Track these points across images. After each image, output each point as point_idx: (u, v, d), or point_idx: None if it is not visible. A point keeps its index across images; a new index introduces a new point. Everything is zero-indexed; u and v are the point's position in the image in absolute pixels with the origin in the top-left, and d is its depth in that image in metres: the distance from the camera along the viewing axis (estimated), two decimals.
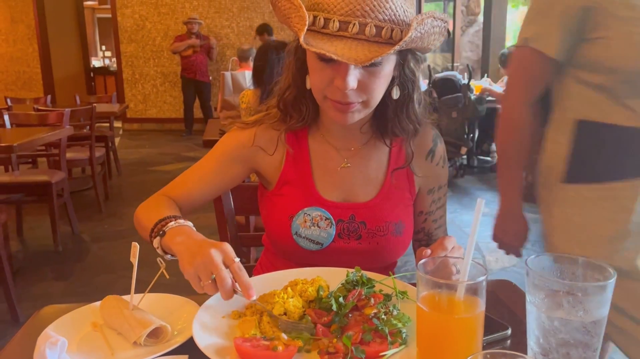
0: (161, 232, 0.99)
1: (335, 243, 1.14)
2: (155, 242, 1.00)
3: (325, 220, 1.14)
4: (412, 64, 1.10)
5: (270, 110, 1.20)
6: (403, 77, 1.10)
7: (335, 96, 1.01)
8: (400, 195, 1.19)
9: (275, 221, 1.17)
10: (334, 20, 0.95)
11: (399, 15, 0.96)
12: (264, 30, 7.13)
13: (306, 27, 0.95)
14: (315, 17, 0.97)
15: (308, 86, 1.09)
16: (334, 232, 1.14)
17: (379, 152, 1.19)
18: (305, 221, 1.13)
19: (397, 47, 0.92)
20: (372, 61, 0.91)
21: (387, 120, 1.14)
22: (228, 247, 0.88)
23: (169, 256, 0.99)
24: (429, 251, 0.91)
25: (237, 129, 1.20)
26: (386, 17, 0.95)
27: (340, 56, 0.91)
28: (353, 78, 0.98)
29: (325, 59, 0.98)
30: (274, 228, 1.18)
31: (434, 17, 0.96)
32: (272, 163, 1.18)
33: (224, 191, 1.19)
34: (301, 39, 0.94)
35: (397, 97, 1.10)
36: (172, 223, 1.00)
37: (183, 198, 1.17)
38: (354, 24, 0.94)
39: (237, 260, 0.87)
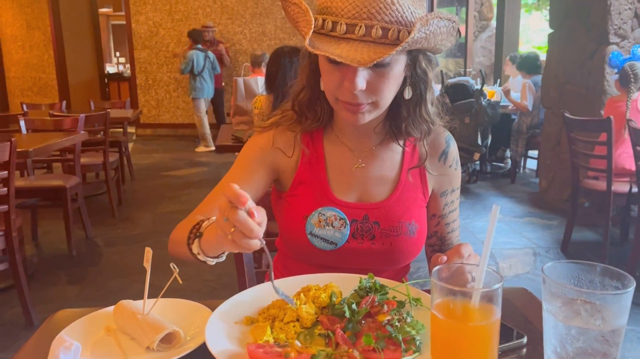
0: (198, 234, 0.95)
1: (349, 243, 1.15)
2: (195, 248, 0.95)
3: (340, 219, 1.14)
4: (423, 64, 1.10)
5: (285, 112, 1.22)
6: (415, 78, 1.11)
7: (345, 97, 1.03)
8: (414, 195, 1.19)
9: (290, 221, 1.18)
10: (341, 23, 0.97)
11: (406, 17, 0.97)
12: (191, 35, 7.93)
13: (312, 30, 0.97)
14: (323, 20, 0.99)
15: (322, 88, 1.11)
16: (348, 232, 1.14)
17: (393, 152, 1.21)
18: (320, 221, 1.14)
19: (399, 48, 0.92)
20: (375, 62, 0.92)
21: (401, 120, 1.15)
22: (232, 191, 0.79)
23: (213, 261, 0.96)
24: (444, 257, 0.91)
25: (256, 134, 1.22)
26: (392, 19, 0.96)
27: (344, 58, 0.93)
28: (361, 79, 0.99)
29: (333, 61, 1.00)
30: (289, 228, 1.18)
31: (440, 18, 0.96)
32: (289, 164, 1.20)
33: (255, 197, 1.17)
34: (306, 42, 0.95)
35: (410, 97, 1.11)
36: (206, 222, 0.97)
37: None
38: (360, 26, 0.95)
39: (245, 204, 0.79)
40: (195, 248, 0.95)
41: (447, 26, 0.99)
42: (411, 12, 0.98)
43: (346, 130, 1.19)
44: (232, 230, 0.78)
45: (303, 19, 1.00)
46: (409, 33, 0.96)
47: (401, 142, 1.19)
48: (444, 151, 1.22)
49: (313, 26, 0.97)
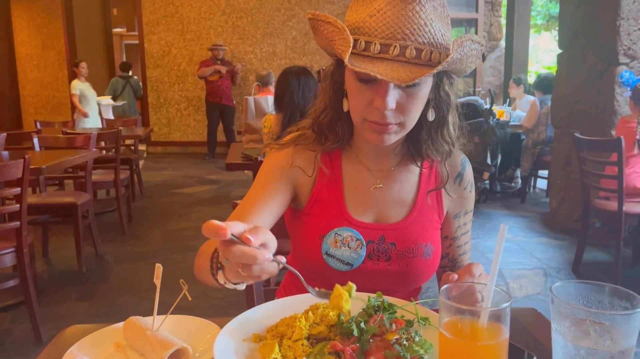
0: (219, 266, 0.89)
1: (364, 264, 1.14)
2: (221, 278, 0.88)
3: (356, 240, 1.14)
4: (447, 87, 1.11)
5: (303, 131, 1.22)
6: (438, 99, 1.11)
7: (374, 117, 1.03)
8: (430, 217, 1.19)
9: (305, 240, 1.17)
10: (375, 43, 0.98)
11: (437, 39, 0.99)
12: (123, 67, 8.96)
13: (350, 50, 0.97)
14: (356, 40, 0.99)
15: (345, 109, 1.12)
16: (364, 253, 1.14)
17: (411, 173, 1.21)
18: (336, 242, 1.14)
19: (439, 68, 0.94)
20: (415, 81, 0.93)
21: (421, 142, 1.16)
22: (209, 228, 0.72)
23: (243, 286, 0.89)
24: (455, 276, 0.91)
25: (273, 151, 1.21)
26: (425, 40, 0.98)
27: (384, 75, 0.93)
28: (392, 99, 1.00)
29: (364, 80, 1.01)
30: (304, 248, 1.18)
31: (472, 40, 0.99)
32: (307, 183, 1.19)
33: (277, 215, 1.16)
34: (346, 60, 0.96)
35: (433, 119, 1.12)
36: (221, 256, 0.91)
37: None
38: (395, 46, 0.97)
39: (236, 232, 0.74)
40: (221, 279, 0.89)
41: (477, 49, 1.01)
42: (442, 34, 1.00)
43: (366, 150, 1.19)
44: (240, 267, 0.75)
45: (340, 38, 1.00)
46: (440, 54, 0.99)
47: (419, 163, 1.20)
48: (459, 173, 1.22)
49: (351, 45, 0.98)
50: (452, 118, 1.15)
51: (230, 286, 0.90)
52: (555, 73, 5.46)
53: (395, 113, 1.02)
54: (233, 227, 0.72)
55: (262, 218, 1.12)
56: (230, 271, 0.77)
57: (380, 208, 1.18)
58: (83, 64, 7.65)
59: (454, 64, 0.99)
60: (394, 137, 1.07)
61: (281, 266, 0.78)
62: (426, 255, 1.16)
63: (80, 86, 7.54)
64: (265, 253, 0.73)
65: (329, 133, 1.17)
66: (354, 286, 0.92)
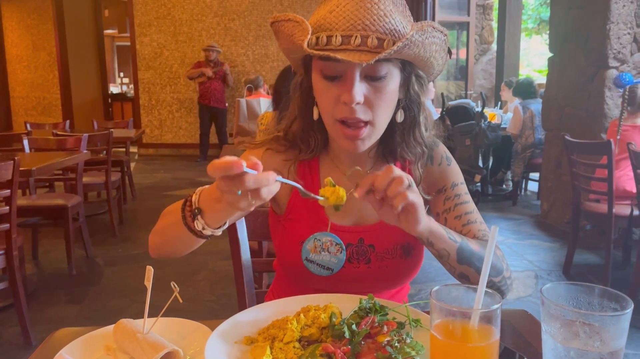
0: (196, 210, 0.90)
1: (345, 269, 1.14)
2: (199, 224, 0.90)
3: (336, 245, 1.14)
4: (416, 87, 1.10)
5: (276, 136, 1.21)
6: (408, 99, 1.11)
7: (342, 113, 1.02)
8: None
9: (286, 246, 1.18)
10: (336, 36, 0.98)
11: (399, 29, 0.99)
12: None
13: (309, 34, 0.97)
14: (317, 37, 0.99)
15: (315, 116, 1.11)
16: (344, 257, 1.14)
17: None
18: (316, 247, 1.13)
19: (399, 44, 0.93)
20: (378, 58, 0.92)
21: (395, 144, 1.15)
22: (222, 165, 0.75)
23: (219, 231, 0.92)
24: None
25: (248, 151, 1.22)
26: (386, 30, 0.98)
27: (344, 56, 0.93)
28: (359, 91, 0.99)
29: (330, 77, 1.01)
30: (285, 254, 1.18)
31: (434, 27, 0.97)
32: (284, 189, 1.17)
33: (244, 214, 1.19)
34: (304, 45, 0.96)
35: (402, 120, 1.11)
36: (195, 196, 0.91)
37: None
38: (356, 37, 0.96)
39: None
40: (199, 225, 0.90)
41: (440, 38, 1.00)
42: (403, 26, 1.00)
43: (341, 156, 1.18)
44: (249, 196, 0.77)
45: (299, 30, 1.00)
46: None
47: (392, 162, 1.18)
48: (428, 155, 1.19)
49: (310, 32, 0.98)
50: (424, 119, 1.14)
51: (208, 231, 0.91)
52: (534, 79, 5.51)
53: (363, 109, 1.01)
54: (231, 158, 0.75)
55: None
56: (237, 202, 0.78)
57: (359, 212, 1.17)
58: None
59: (416, 47, 0.97)
60: (367, 142, 1.06)
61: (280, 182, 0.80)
62: (405, 254, 1.16)
63: None
64: (272, 174, 0.77)
65: (301, 143, 1.17)
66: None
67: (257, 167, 0.75)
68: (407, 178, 0.88)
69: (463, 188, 1.20)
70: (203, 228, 0.90)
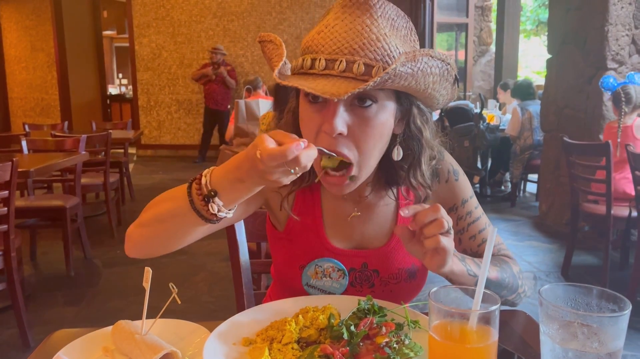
0: (212, 193, 0.83)
1: (347, 293, 1.10)
2: (214, 207, 0.84)
3: (338, 271, 1.10)
4: (418, 121, 1.00)
5: None
6: (407, 135, 1.01)
7: (323, 143, 0.91)
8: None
9: (285, 268, 1.14)
10: (320, 59, 0.90)
11: (393, 56, 0.89)
12: None
13: (282, 62, 0.92)
14: (303, 59, 0.92)
15: None
16: (347, 283, 1.10)
17: (388, 197, 1.12)
18: (317, 273, 1.10)
19: (376, 79, 0.81)
20: (350, 93, 0.81)
21: (397, 177, 1.06)
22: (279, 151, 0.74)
23: (231, 213, 0.87)
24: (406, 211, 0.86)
25: None
26: (377, 56, 0.88)
27: (314, 90, 0.83)
28: (341, 121, 0.89)
29: (312, 103, 0.93)
30: (285, 276, 1.15)
31: (431, 56, 0.85)
32: (282, 210, 1.14)
33: (238, 217, 1.14)
34: (275, 73, 0.91)
35: (399, 159, 1.02)
36: (204, 179, 0.85)
37: None
38: (341, 61, 0.88)
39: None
40: (214, 208, 0.84)
41: (439, 67, 0.87)
42: (399, 52, 0.90)
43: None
44: (297, 170, 0.76)
45: (276, 54, 0.95)
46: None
47: (392, 195, 1.12)
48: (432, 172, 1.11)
49: (284, 58, 0.92)
50: (426, 158, 1.04)
51: (223, 213, 0.85)
52: (535, 79, 5.51)
53: (347, 143, 0.91)
54: (274, 143, 0.75)
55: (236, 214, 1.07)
56: (279, 181, 0.77)
57: (361, 235, 1.12)
58: None
59: (405, 79, 0.85)
60: (353, 185, 0.97)
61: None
62: (410, 277, 1.12)
63: None
64: (312, 146, 0.76)
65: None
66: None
67: (301, 144, 0.74)
68: (447, 223, 0.84)
69: (473, 203, 1.14)
70: (219, 210, 0.84)
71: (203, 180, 0.85)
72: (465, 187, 1.15)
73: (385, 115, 0.94)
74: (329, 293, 1.11)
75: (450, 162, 1.15)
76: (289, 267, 1.13)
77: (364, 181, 1.02)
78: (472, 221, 1.13)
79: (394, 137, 1.00)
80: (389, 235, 1.12)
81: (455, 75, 0.92)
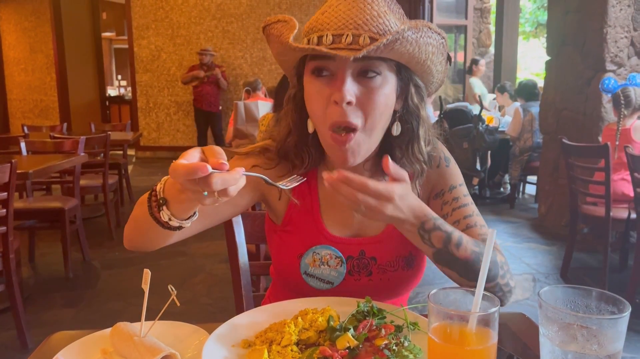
0: (161, 201, 0.85)
1: (345, 281, 1.11)
2: (165, 215, 0.85)
3: (336, 258, 1.11)
4: (415, 99, 1.05)
5: (267, 147, 1.15)
6: (406, 111, 1.06)
7: (334, 117, 0.97)
8: None
9: (284, 259, 1.15)
10: (327, 35, 0.96)
11: (392, 30, 0.96)
12: None
13: (296, 29, 0.97)
14: (309, 39, 0.98)
15: (310, 130, 1.07)
16: (345, 271, 1.11)
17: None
18: (315, 261, 1.11)
19: (389, 37, 0.88)
20: (367, 50, 0.88)
21: (394, 159, 1.07)
22: (184, 169, 0.72)
23: (188, 223, 0.88)
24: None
25: (237, 159, 1.16)
26: (380, 31, 0.95)
27: (331, 51, 0.90)
28: (350, 89, 0.95)
29: (320, 75, 0.98)
30: (283, 267, 1.15)
31: (430, 28, 0.93)
32: (282, 198, 1.16)
33: (234, 213, 1.16)
34: (290, 39, 0.95)
35: (398, 133, 1.06)
36: (159, 186, 0.87)
37: None
38: (347, 35, 0.94)
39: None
40: (165, 216, 0.86)
41: (437, 40, 0.96)
42: (398, 28, 0.96)
43: (339, 168, 1.11)
44: (216, 195, 0.74)
45: (287, 28, 0.99)
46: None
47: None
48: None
49: (297, 27, 0.97)
50: (424, 134, 1.09)
51: (174, 223, 0.86)
52: (538, 80, 5.52)
53: (354, 111, 0.97)
54: (193, 158, 0.73)
55: (218, 214, 1.10)
56: (204, 200, 0.76)
57: (359, 223, 1.14)
58: None
59: (409, 45, 0.92)
60: (358, 152, 1.01)
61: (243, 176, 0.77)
62: (408, 266, 1.13)
63: None
64: (239, 171, 0.74)
65: (295, 158, 1.12)
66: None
67: (223, 167, 0.72)
68: (364, 199, 0.87)
69: (462, 190, 1.15)
70: (170, 219, 0.86)
71: (158, 187, 0.87)
72: (455, 174, 1.17)
73: (389, 87, 1.00)
74: (328, 282, 1.11)
75: (443, 150, 1.18)
76: (287, 258, 1.13)
77: (362, 166, 1.09)
78: (458, 207, 1.13)
79: (393, 113, 1.05)
80: (386, 223, 1.13)
81: (448, 53, 1.00)
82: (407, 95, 1.05)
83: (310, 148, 1.11)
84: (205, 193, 0.74)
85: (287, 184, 0.89)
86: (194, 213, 0.88)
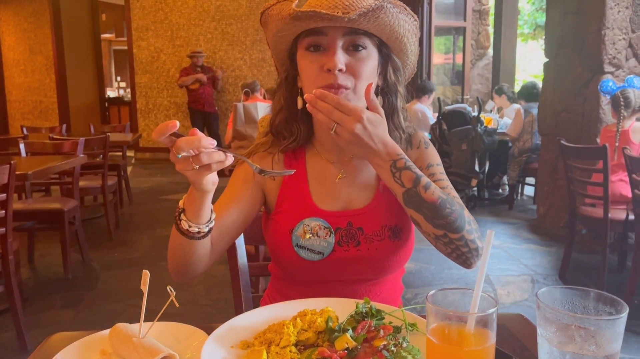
0: (181, 210, 1.01)
1: (335, 252, 1.16)
2: (184, 224, 1.00)
3: (324, 229, 1.16)
4: (393, 77, 1.18)
5: (259, 141, 1.28)
6: (386, 86, 1.18)
7: (326, 80, 1.07)
8: (394, 197, 1.16)
9: (276, 236, 1.20)
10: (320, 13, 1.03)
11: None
12: None
13: (296, 2, 1.04)
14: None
15: (299, 106, 1.17)
16: (334, 241, 1.16)
17: None
18: (305, 232, 1.16)
19: (375, 4, 1.00)
20: (358, 12, 1.00)
21: None
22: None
23: (206, 227, 1.01)
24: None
25: (238, 164, 1.25)
26: (369, 10, 1.04)
27: (330, 11, 1.00)
28: (341, 58, 1.06)
29: (313, 51, 1.09)
30: (276, 244, 1.20)
31: (405, 8, 1.08)
32: (274, 185, 1.23)
33: (247, 216, 1.21)
34: (294, 5, 1.03)
35: (381, 105, 1.14)
36: (181, 202, 1.01)
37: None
38: (338, 12, 1.02)
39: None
40: (184, 224, 1.00)
41: (411, 21, 1.11)
42: None
43: (327, 145, 1.22)
44: (191, 159, 0.88)
45: (286, 3, 1.07)
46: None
47: None
48: (406, 140, 1.24)
49: (296, 1, 1.04)
50: (401, 107, 1.21)
51: (194, 228, 1.00)
52: (540, 82, 5.53)
53: (345, 76, 1.07)
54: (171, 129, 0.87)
55: (231, 217, 1.18)
56: (183, 166, 0.90)
57: (347, 197, 1.21)
58: None
59: (391, 17, 1.05)
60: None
61: (230, 157, 0.91)
62: (394, 236, 1.17)
63: None
64: (208, 139, 0.87)
65: (285, 132, 1.23)
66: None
67: (194, 132, 0.88)
68: (360, 117, 0.99)
69: (438, 169, 1.23)
70: (189, 226, 1.00)
71: (180, 202, 1.01)
72: (433, 155, 1.26)
73: (373, 61, 1.13)
74: (318, 252, 1.15)
75: (423, 136, 1.29)
76: (279, 234, 1.19)
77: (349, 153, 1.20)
78: (434, 181, 1.18)
79: (376, 88, 1.16)
80: (372, 194, 1.21)
81: (419, 37, 1.17)
82: (386, 73, 1.18)
83: (299, 124, 1.22)
84: (197, 167, 0.88)
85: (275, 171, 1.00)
86: (210, 219, 1.02)
